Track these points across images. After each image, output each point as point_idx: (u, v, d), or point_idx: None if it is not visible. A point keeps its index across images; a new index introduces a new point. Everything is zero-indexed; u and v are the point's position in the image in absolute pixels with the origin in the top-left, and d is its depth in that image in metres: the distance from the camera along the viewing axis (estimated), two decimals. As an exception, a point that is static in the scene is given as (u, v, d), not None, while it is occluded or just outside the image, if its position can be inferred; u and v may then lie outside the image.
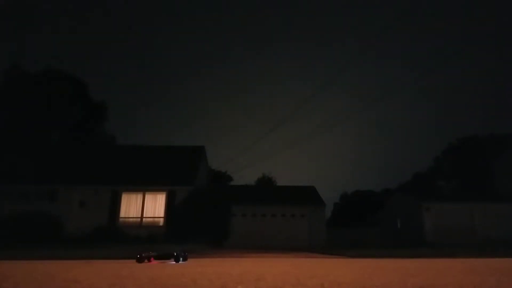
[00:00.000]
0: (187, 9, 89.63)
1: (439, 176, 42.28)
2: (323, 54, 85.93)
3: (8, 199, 17.37)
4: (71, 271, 3.75)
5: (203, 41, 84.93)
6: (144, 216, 18.01)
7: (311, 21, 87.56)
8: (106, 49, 79.66)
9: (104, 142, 31.75)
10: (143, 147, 23.43)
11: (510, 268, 4.42)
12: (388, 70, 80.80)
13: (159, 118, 78.38)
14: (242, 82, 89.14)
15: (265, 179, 44.10)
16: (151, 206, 18.19)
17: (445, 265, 5.22)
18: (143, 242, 14.95)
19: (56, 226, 16.02)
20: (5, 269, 4.07)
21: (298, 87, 79.91)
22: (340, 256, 9.10)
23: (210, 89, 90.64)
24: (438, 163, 42.50)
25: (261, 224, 22.39)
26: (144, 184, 18.46)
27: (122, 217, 17.88)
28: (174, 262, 5.23)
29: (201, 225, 16.51)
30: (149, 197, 18.29)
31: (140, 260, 5.18)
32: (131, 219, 17.91)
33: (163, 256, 5.42)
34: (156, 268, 4.16)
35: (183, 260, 5.39)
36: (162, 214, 17.96)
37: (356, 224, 38.55)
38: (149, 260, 5.27)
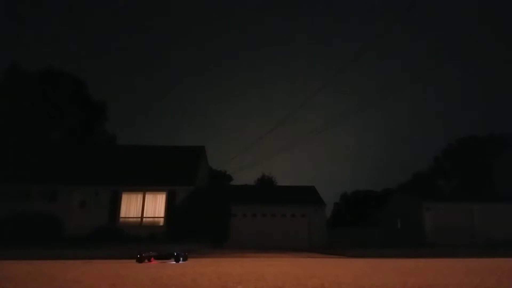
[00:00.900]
0: (187, 9, 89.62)
1: (439, 176, 42.32)
2: (323, 54, 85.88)
3: (8, 199, 17.37)
4: (71, 271, 3.75)
5: (203, 41, 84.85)
6: (144, 216, 18.01)
7: (311, 21, 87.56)
8: (106, 49, 79.61)
9: (104, 142, 31.76)
10: (143, 147, 23.42)
11: (510, 268, 4.42)
12: (388, 70, 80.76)
13: (159, 118, 78.26)
14: (242, 82, 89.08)
15: (265, 179, 44.05)
16: (151, 206, 18.18)
17: (445, 265, 5.23)
18: (143, 242, 14.94)
19: (56, 226, 16.04)
20: (5, 269, 4.07)
21: (298, 87, 79.81)
22: (340, 256, 9.10)
23: (210, 89, 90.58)
24: (438, 163, 42.47)
25: (261, 224, 22.36)
26: (144, 184, 18.46)
27: (122, 217, 17.87)
28: (174, 262, 5.23)
29: (201, 225, 16.53)
30: (149, 197, 18.28)
31: (140, 260, 5.18)
32: (131, 219, 17.91)
33: (163, 256, 5.43)
34: (156, 268, 4.17)
35: (183, 260, 5.39)
36: (162, 214, 17.96)
37: (356, 224, 38.54)
38: (149, 260, 5.27)
